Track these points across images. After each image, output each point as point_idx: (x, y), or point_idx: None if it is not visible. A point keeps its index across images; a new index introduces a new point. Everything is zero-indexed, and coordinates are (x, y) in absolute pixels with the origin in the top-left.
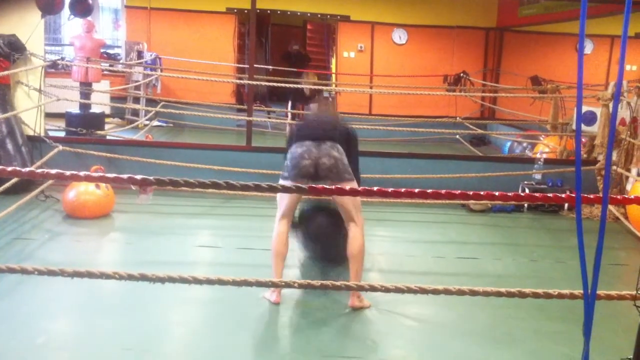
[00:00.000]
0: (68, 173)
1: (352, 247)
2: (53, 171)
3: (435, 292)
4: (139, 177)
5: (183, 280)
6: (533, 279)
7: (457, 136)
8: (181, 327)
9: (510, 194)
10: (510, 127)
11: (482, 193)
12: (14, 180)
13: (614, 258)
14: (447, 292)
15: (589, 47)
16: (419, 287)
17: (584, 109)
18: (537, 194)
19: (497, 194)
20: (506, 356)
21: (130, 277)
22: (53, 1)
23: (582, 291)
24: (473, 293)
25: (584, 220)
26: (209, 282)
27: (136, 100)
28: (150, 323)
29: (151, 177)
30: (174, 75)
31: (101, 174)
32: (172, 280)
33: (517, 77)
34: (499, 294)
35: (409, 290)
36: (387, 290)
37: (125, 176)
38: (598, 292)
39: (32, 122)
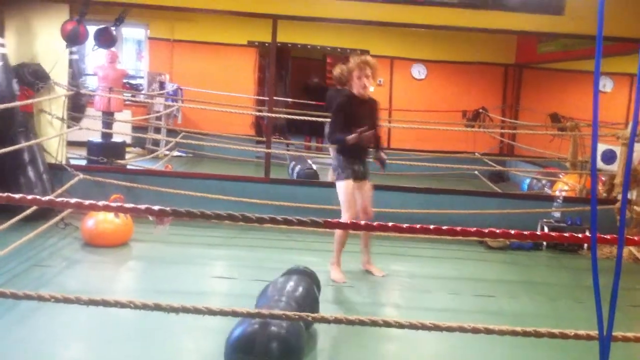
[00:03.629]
0: (87, 203)
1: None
2: (72, 200)
3: (449, 329)
4: (156, 208)
5: (197, 311)
6: (551, 319)
7: (476, 172)
8: (194, 356)
9: (526, 232)
10: (529, 164)
11: (498, 231)
12: (34, 207)
13: (633, 299)
14: (461, 329)
15: (608, 85)
16: (433, 324)
17: (604, 147)
18: (553, 233)
19: (513, 232)
20: None
21: (145, 307)
22: (78, 32)
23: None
24: (488, 331)
25: (604, 260)
26: (223, 313)
27: (157, 130)
28: (164, 352)
29: (168, 209)
30: (195, 107)
31: (119, 204)
32: (185, 310)
33: (536, 113)
34: (514, 333)
35: (423, 327)
36: (401, 326)
37: (142, 207)
38: (614, 333)
39: (54, 150)
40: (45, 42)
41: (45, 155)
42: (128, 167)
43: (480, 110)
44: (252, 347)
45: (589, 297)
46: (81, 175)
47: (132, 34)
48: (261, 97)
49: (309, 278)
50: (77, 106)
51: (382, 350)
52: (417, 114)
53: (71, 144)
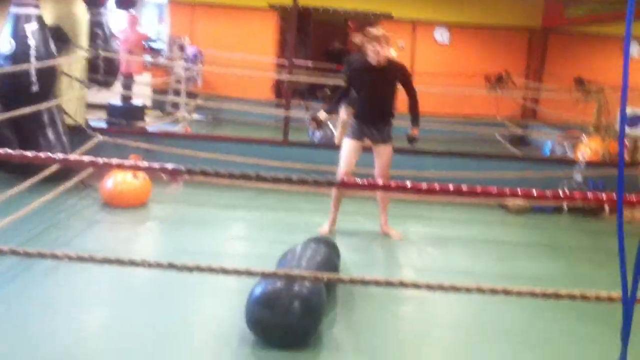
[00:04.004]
0: (101, 161)
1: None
2: (86, 159)
3: (467, 290)
4: (169, 166)
5: (210, 270)
6: (571, 282)
7: (497, 135)
8: (213, 318)
9: (548, 193)
10: (551, 128)
11: (519, 191)
12: (53, 168)
13: None
14: (479, 290)
15: (636, 50)
16: (451, 285)
17: (630, 111)
18: (575, 194)
19: (535, 193)
20: (539, 357)
21: (159, 266)
22: None
23: (620, 293)
24: (506, 292)
25: (626, 224)
26: (237, 272)
27: (177, 93)
28: (183, 310)
29: (182, 167)
30: (215, 69)
31: (134, 162)
32: (199, 269)
33: (560, 78)
34: (533, 295)
35: (440, 288)
36: (416, 286)
37: (156, 165)
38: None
39: (74, 112)
40: (66, 4)
41: (64, 117)
42: (149, 129)
43: (503, 75)
44: (274, 303)
45: (610, 260)
46: (100, 137)
47: None
48: (281, 61)
49: (328, 247)
50: (109, 71)
51: (400, 311)
52: (440, 78)
53: (92, 106)
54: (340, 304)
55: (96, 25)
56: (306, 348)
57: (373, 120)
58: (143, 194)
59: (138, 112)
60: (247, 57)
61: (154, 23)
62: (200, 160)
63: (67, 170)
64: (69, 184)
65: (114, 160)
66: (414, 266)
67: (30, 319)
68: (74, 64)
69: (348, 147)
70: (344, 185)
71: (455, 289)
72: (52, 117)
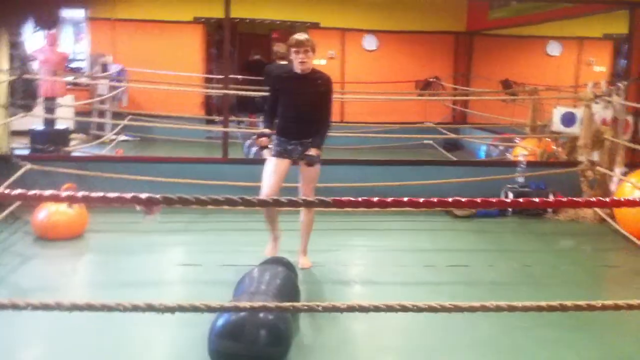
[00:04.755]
0: (47, 193)
1: (306, 219)
2: (20, 192)
3: (444, 309)
4: (143, 196)
5: (164, 309)
6: (528, 285)
7: (431, 141)
8: (170, 353)
9: (508, 199)
10: (483, 131)
11: (463, 200)
12: None
13: (604, 259)
14: (457, 309)
15: (557, 49)
16: (414, 305)
17: (563, 110)
18: (525, 199)
19: (494, 200)
20: None
21: (91, 308)
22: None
23: None
24: (499, 309)
25: (569, 222)
26: (195, 309)
27: (101, 114)
28: (135, 350)
29: (158, 196)
30: (143, 87)
31: (103, 195)
32: (149, 308)
33: (488, 81)
34: (539, 309)
35: (403, 309)
36: (377, 309)
37: (128, 195)
38: None
39: None
40: None
41: None
42: (77, 154)
43: (432, 79)
44: (240, 334)
45: (562, 261)
46: (29, 165)
47: (69, 15)
48: (209, 76)
49: (285, 267)
50: (29, 93)
51: (366, 328)
52: (370, 86)
53: (13, 133)
54: (304, 325)
55: (13, 47)
56: None
57: (297, 135)
58: (79, 224)
59: (63, 137)
60: (174, 73)
61: (72, 42)
62: (136, 183)
63: None
64: None
65: (64, 193)
66: (372, 281)
67: None
68: None
69: (271, 168)
70: (271, 204)
71: (419, 309)
72: None
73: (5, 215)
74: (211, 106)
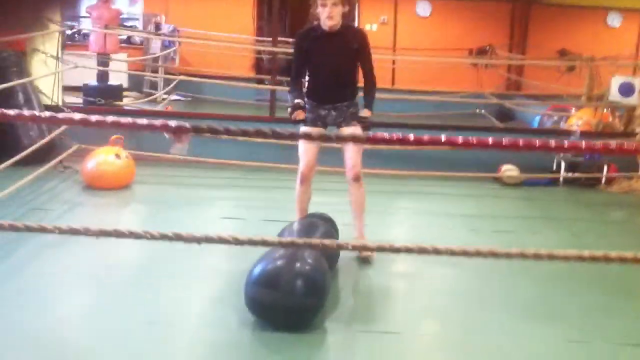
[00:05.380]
0: (93, 118)
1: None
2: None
3: (477, 254)
4: (172, 123)
5: (206, 240)
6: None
7: (482, 111)
8: (208, 300)
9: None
10: (538, 100)
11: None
12: (32, 149)
13: None
14: (492, 254)
15: (617, 21)
16: (448, 249)
17: (621, 80)
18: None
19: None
20: (550, 332)
21: (163, 237)
22: None
23: None
24: (524, 256)
25: (624, 195)
26: (238, 242)
27: (154, 72)
28: (176, 295)
29: (186, 124)
30: (195, 41)
31: (131, 120)
32: (194, 239)
33: (544, 50)
34: (551, 257)
35: (436, 252)
36: (409, 250)
37: (157, 122)
38: None
39: (49, 91)
40: None
41: (40, 96)
42: (127, 108)
43: (487, 48)
44: (277, 282)
45: (613, 231)
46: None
47: None
48: (260, 38)
49: (326, 222)
50: None
51: (403, 285)
52: (422, 52)
53: (66, 88)
54: (342, 280)
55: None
56: (312, 329)
57: (330, 98)
58: (126, 175)
59: (116, 92)
60: (225, 34)
61: (126, 4)
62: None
63: (46, 152)
64: (48, 165)
65: (109, 119)
66: (415, 242)
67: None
68: (47, 39)
69: (304, 141)
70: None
71: (467, 253)
72: (27, 96)
73: (55, 163)
74: (262, 68)
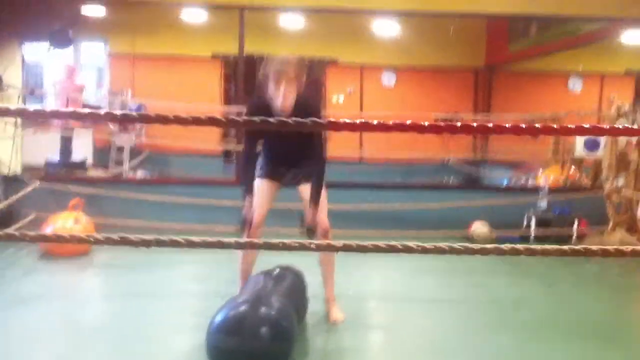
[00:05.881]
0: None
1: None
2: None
3: (453, 251)
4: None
5: (173, 244)
6: (554, 302)
7: (451, 178)
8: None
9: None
10: (504, 165)
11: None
12: None
13: (631, 284)
14: (468, 251)
15: (578, 84)
16: (419, 246)
17: (585, 136)
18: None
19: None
20: None
21: (144, 243)
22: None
23: None
24: (515, 252)
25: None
26: (207, 244)
27: (119, 150)
28: (136, 349)
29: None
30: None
31: (72, 110)
32: (171, 243)
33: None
34: (562, 253)
35: (407, 249)
36: (378, 249)
37: (102, 112)
38: None
39: (8, 159)
40: None
41: None
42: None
43: (452, 116)
44: (240, 329)
45: (589, 283)
46: (38, 183)
47: (92, 59)
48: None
49: (293, 274)
50: None
51: (372, 335)
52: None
53: (26, 168)
54: (310, 330)
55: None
56: None
57: (291, 161)
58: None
59: (80, 169)
60: (192, 107)
61: (94, 87)
62: (147, 204)
63: (5, 220)
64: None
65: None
66: (385, 297)
67: None
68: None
69: (256, 188)
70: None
71: (440, 250)
72: None
73: (13, 229)
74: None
